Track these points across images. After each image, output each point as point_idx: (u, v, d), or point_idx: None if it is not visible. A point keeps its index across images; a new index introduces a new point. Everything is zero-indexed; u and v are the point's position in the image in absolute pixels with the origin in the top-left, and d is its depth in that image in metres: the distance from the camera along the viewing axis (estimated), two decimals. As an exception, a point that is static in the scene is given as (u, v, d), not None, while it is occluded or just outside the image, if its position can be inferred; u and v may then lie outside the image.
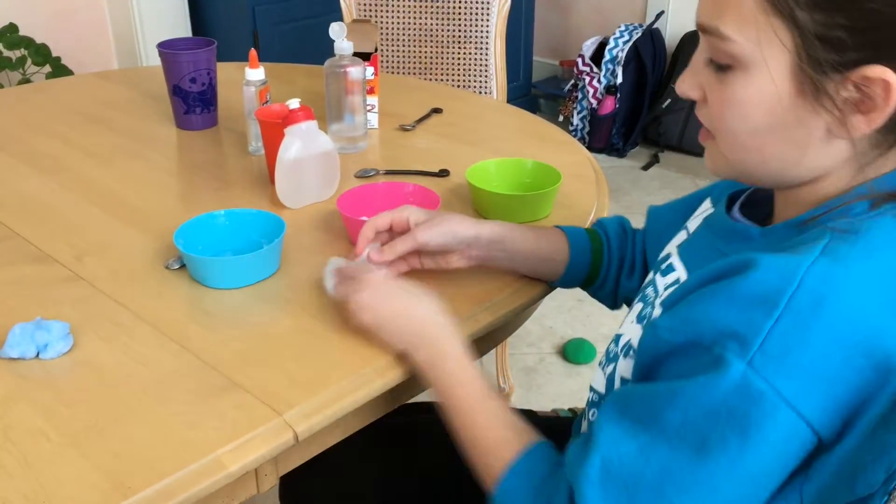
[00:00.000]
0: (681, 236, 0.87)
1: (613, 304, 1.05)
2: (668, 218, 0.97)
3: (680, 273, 0.79)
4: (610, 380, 0.80)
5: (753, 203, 0.79)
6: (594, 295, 1.05)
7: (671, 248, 0.87)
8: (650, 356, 0.69)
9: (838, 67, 0.62)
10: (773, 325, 0.59)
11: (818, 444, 0.61)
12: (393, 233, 0.97)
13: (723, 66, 0.66)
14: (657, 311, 0.76)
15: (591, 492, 0.66)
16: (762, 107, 0.65)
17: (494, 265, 0.99)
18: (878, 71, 0.61)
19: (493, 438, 0.78)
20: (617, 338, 0.82)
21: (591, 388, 0.84)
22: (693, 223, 0.86)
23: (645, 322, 0.77)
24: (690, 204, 0.94)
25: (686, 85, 0.71)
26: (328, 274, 0.93)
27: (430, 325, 0.85)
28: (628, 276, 1.01)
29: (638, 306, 0.82)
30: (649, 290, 0.82)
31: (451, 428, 0.81)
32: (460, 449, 0.80)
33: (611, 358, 0.81)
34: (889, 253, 0.62)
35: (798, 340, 0.59)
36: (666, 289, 0.79)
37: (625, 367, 0.78)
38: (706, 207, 0.86)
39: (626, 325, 0.82)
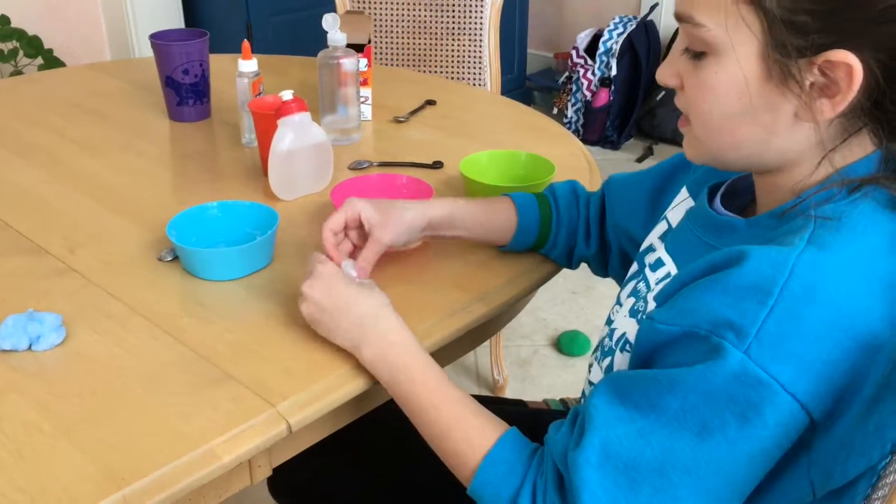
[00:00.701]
0: (661, 227, 0.88)
1: (569, 265, 1.07)
2: (635, 191, 0.98)
3: (670, 267, 0.80)
4: (608, 372, 0.80)
5: (733, 193, 0.80)
6: (547, 255, 1.05)
7: (653, 239, 0.88)
8: (646, 348, 0.70)
9: (804, 52, 0.64)
10: (767, 314, 0.61)
11: (810, 424, 0.63)
12: (348, 230, 0.96)
13: (698, 54, 0.68)
14: (651, 306, 0.76)
15: (589, 473, 0.66)
16: (733, 91, 0.67)
17: (444, 239, 1.01)
18: (841, 55, 0.63)
19: (464, 429, 0.77)
20: (611, 332, 0.82)
21: (590, 382, 0.85)
22: (674, 214, 0.87)
23: (640, 316, 0.78)
24: (657, 178, 0.96)
25: (664, 73, 0.73)
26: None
27: (373, 317, 0.82)
28: (585, 242, 1.03)
29: (630, 301, 0.83)
30: (640, 285, 0.83)
31: (414, 421, 0.80)
32: (428, 442, 0.79)
33: (606, 352, 0.82)
34: (870, 237, 0.65)
35: (792, 328, 0.61)
36: (657, 283, 0.80)
37: (621, 362, 0.78)
38: (684, 197, 0.87)
39: (620, 319, 0.83)
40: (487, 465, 0.74)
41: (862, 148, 0.69)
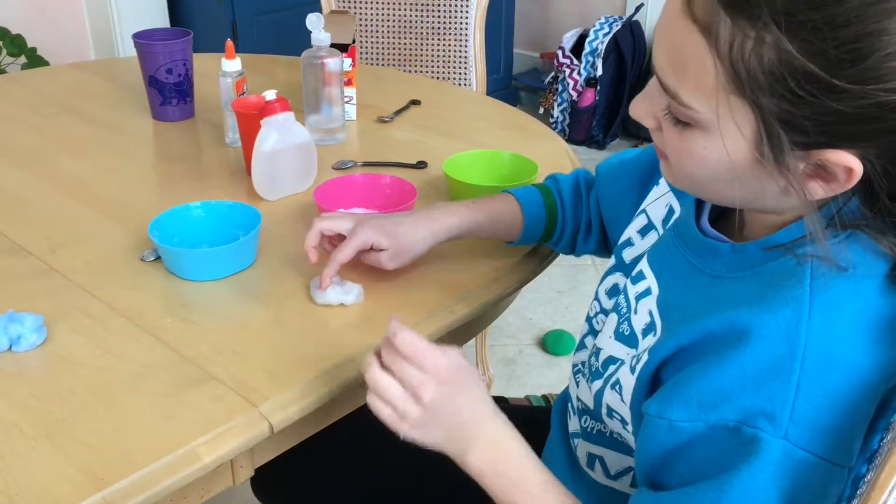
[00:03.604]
0: (640, 221, 0.87)
1: (572, 253, 1.08)
2: (623, 182, 0.97)
3: (650, 282, 0.78)
4: (598, 398, 0.78)
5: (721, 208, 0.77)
6: (552, 247, 1.06)
7: (632, 233, 0.87)
8: (668, 447, 0.66)
9: (801, 146, 0.60)
10: (795, 393, 0.59)
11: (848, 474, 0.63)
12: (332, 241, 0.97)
13: (682, 122, 0.64)
14: (640, 343, 0.74)
15: None
16: (720, 166, 0.64)
17: None
18: (839, 157, 0.59)
19: None
20: (597, 351, 0.81)
21: (578, 398, 0.83)
22: (653, 209, 0.86)
23: (633, 361, 0.74)
24: (643, 166, 0.94)
25: (640, 111, 0.69)
26: (315, 286, 0.95)
27: (481, 421, 0.76)
28: (584, 239, 1.04)
29: (612, 319, 0.81)
30: (621, 300, 0.81)
31: None
32: None
33: (594, 373, 0.80)
34: (869, 281, 0.62)
35: (822, 401, 0.60)
36: (637, 299, 0.78)
37: (613, 400, 0.76)
38: (664, 191, 0.86)
39: (604, 339, 0.80)
40: None
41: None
